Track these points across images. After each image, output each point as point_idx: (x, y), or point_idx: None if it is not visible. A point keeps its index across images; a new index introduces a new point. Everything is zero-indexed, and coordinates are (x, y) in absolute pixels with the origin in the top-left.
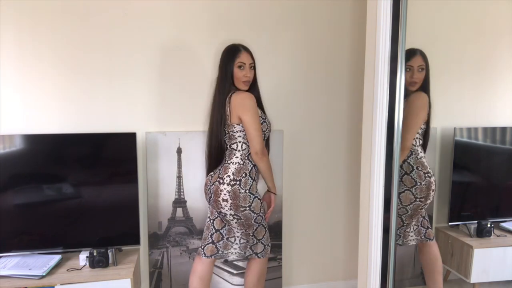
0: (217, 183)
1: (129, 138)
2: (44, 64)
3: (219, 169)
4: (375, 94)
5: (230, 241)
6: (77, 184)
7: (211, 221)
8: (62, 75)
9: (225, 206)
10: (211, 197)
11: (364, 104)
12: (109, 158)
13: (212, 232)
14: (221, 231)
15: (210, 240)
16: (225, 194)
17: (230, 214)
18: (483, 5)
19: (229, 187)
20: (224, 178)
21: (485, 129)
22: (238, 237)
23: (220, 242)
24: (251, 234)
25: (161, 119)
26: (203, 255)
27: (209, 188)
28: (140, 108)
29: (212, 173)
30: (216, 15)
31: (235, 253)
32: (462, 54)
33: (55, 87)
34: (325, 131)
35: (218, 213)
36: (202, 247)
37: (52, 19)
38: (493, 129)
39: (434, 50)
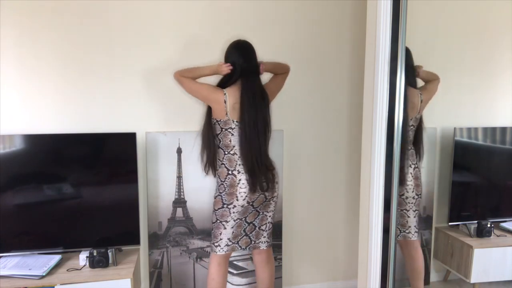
0: (271, 171)
1: (129, 138)
2: (44, 64)
3: (257, 161)
4: (375, 94)
5: (261, 229)
6: (77, 184)
7: (243, 219)
8: (62, 75)
9: (276, 188)
10: (266, 189)
11: (364, 104)
12: (109, 158)
13: (245, 227)
14: (254, 222)
15: (244, 234)
16: (277, 177)
17: (276, 196)
18: (483, 5)
19: (275, 169)
20: (272, 163)
21: (485, 129)
22: (269, 222)
23: (253, 233)
24: (272, 222)
25: (161, 119)
26: (239, 247)
27: (264, 181)
28: (140, 108)
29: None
30: (216, 15)
31: (264, 242)
32: (462, 54)
33: (55, 87)
34: (325, 131)
35: (255, 208)
36: (237, 241)
37: (52, 19)
38: (493, 129)
39: (434, 50)
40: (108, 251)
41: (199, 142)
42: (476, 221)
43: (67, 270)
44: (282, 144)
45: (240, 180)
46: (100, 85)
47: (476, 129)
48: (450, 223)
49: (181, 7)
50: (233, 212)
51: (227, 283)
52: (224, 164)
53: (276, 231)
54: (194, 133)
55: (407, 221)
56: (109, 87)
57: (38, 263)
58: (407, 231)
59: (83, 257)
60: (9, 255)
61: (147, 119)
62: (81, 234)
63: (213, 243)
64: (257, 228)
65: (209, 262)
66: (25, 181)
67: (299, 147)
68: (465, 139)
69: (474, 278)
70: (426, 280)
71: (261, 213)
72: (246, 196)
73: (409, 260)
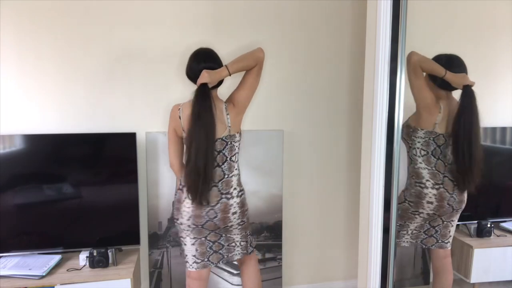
0: (224, 199)
1: (129, 138)
2: (44, 64)
3: (218, 186)
4: (375, 94)
5: (231, 246)
6: (77, 184)
7: (204, 238)
8: (62, 75)
9: (233, 219)
10: (214, 217)
11: (364, 104)
12: (109, 158)
13: (210, 245)
14: (219, 241)
15: (212, 251)
16: (234, 207)
17: (237, 224)
18: (483, 5)
19: (238, 198)
20: (231, 192)
21: (485, 129)
22: (238, 241)
23: (223, 249)
24: (249, 233)
25: (161, 119)
26: (211, 264)
27: (212, 209)
28: (140, 108)
29: (194, 198)
30: (216, 17)
31: (239, 253)
32: (461, 54)
33: (55, 87)
34: (325, 131)
35: (212, 231)
36: (207, 258)
37: (52, 19)
38: (493, 129)
39: (434, 50)
40: (108, 251)
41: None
42: (476, 221)
43: (67, 270)
44: (282, 144)
45: (185, 198)
46: (100, 85)
47: None
48: None
49: (182, 8)
50: (184, 230)
51: (227, 283)
52: (180, 180)
53: (276, 231)
54: None
55: (449, 231)
56: (109, 87)
57: (38, 263)
58: (445, 241)
59: (83, 257)
60: (9, 255)
61: (147, 119)
62: (81, 234)
63: (184, 258)
64: (225, 246)
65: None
66: (25, 181)
67: (299, 147)
68: None
69: (474, 278)
70: (426, 280)
71: (223, 235)
72: (190, 217)
73: (442, 273)
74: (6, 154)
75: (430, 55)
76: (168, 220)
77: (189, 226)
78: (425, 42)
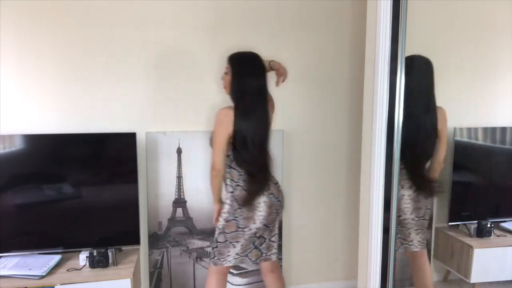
0: (279, 187)
1: (129, 138)
2: (44, 64)
3: (271, 178)
4: (375, 94)
5: (271, 240)
6: (77, 184)
7: (252, 234)
8: (62, 75)
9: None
10: (279, 206)
11: (364, 104)
12: (109, 158)
13: (254, 240)
14: (263, 235)
15: (253, 247)
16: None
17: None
18: (483, 5)
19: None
20: (277, 180)
21: (485, 129)
22: (276, 233)
23: (264, 245)
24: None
25: (161, 119)
26: (248, 260)
27: (277, 200)
28: (140, 108)
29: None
30: (216, 16)
31: (275, 253)
32: (462, 54)
33: (55, 87)
34: (325, 131)
35: (265, 223)
36: (246, 254)
37: (52, 19)
38: (493, 129)
39: (434, 50)
40: (108, 251)
41: None
42: (476, 221)
43: (67, 270)
44: (282, 144)
45: (259, 203)
46: (100, 85)
47: (476, 129)
48: (450, 223)
49: (182, 8)
50: (247, 234)
51: (227, 283)
52: (241, 186)
53: None
54: (194, 133)
55: (409, 235)
56: (109, 87)
57: (38, 263)
58: (409, 243)
59: (83, 257)
60: (9, 255)
61: (147, 119)
62: (81, 234)
63: (218, 259)
64: (267, 240)
65: (208, 276)
66: (25, 181)
67: (299, 147)
68: (465, 139)
69: (474, 278)
70: None
71: (270, 226)
72: (264, 219)
73: (418, 274)
74: (6, 154)
75: (431, 55)
76: (168, 220)
77: (258, 228)
78: (425, 42)
